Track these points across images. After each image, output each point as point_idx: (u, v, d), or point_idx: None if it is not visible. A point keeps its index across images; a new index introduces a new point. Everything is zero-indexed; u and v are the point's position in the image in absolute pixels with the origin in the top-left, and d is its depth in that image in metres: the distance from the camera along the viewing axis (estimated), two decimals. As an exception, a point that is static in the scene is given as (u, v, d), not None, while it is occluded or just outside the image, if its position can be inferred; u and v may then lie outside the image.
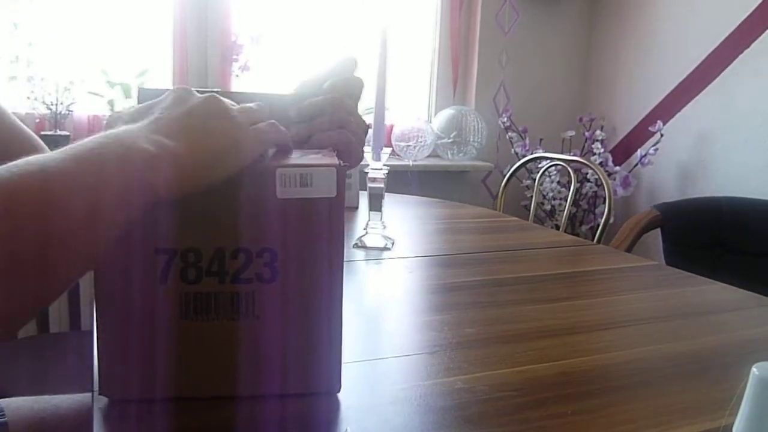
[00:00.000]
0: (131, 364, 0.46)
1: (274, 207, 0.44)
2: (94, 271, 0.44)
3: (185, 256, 0.44)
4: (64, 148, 0.37)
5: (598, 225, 1.62)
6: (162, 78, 2.09)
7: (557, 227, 2.25)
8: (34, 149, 0.69)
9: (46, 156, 0.36)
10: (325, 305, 0.46)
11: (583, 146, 2.53)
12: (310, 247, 0.45)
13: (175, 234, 0.44)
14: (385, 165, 0.99)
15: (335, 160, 0.45)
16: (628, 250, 1.80)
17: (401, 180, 2.28)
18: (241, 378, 0.46)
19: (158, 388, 0.47)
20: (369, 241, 1.00)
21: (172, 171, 0.40)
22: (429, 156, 2.37)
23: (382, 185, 1.00)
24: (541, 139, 2.53)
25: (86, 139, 0.38)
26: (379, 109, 0.94)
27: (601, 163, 2.39)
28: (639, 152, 2.34)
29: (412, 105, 2.53)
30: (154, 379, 0.46)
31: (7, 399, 0.72)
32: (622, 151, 2.51)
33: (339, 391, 0.48)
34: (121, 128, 0.41)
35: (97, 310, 0.45)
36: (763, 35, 2.01)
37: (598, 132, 2.45)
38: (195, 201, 0.43)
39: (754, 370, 0.36)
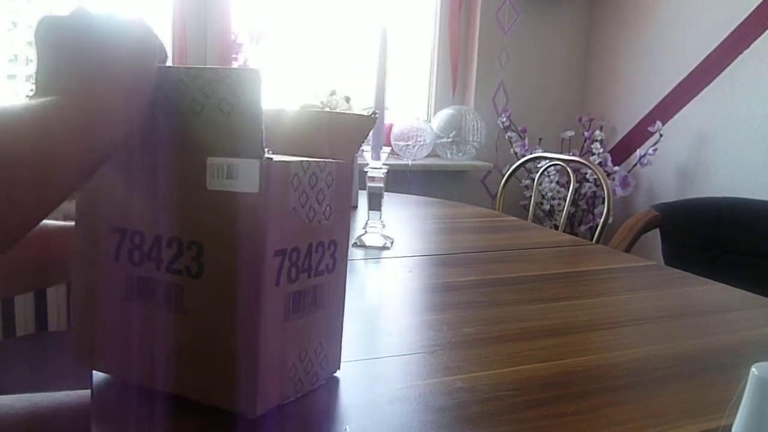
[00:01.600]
0: (91, 336, 0.47)
1: (203, 198, 0.42)
2: (71, 242, 0.47)
3: (132, 238, 0.45)
4: None
5: (597, 225, 1.62)
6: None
7: (556, 227, 2.25)
8: None
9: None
10: (249, 317, 0.41)
11: (582, 146, 2.53)
12: (235, 247, 0.41)
13: (125, 215, 0.45)
14: (384, 164, 1.00)
15: (270, 155, 0.41)
16: (627, 250, 1.80)
17: (400, 179, 2.28)
18: (166, 372, 0.45)
19: (108, 365, 0.48)
20: (368, 240, 1.00)
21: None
22: (428, 155, 2.37)
23: (381, 184, 1.00)
24: (540, 139, 2.53)
25: None
26: (379, 109, 0.94)
27: (600, 163, 2.39)
28: (638, 152, 2.34)
29: (411, 104, 2.53)
30: (106, 354, 0.47)
31: (6, 396, 0.72)
32: (621, 151, 2.51)
33: (256, 414, 0.42)
34: None
35: (70, 280, 0.47)
36: (763, 36, 2.01)
37: (597, 132, 2.45)
38: (142, 184, 0.44)
39: (753, 370, 0.36)
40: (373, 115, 0.51)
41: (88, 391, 0.49)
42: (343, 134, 0.50)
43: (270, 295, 0.42)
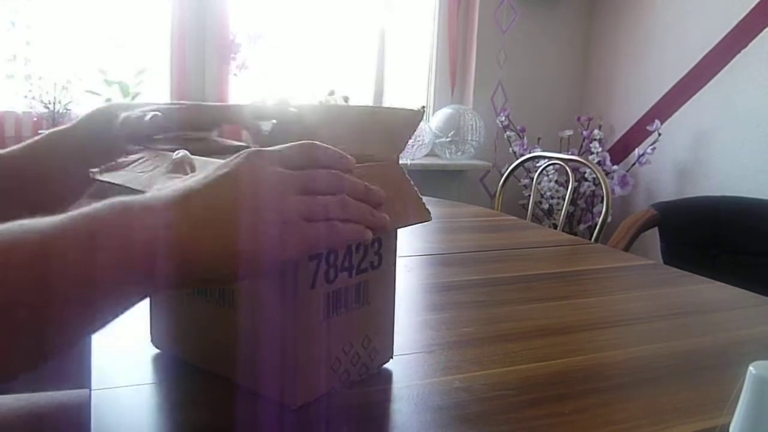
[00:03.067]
0: (165, 325, 0.53)
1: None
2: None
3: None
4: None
5: (596, 224, 1.62)
6: (160, 76, 2.09)
7: (555, 226, 2.26)
8: None
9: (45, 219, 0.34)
10: (287, 317, 0.44)
11: (581, 145, 2.53)
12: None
13: None
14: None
15: None
16: (626, 249, 1.80)
17: (399, 179, 2.27)
18: (224, 360, 0.49)
19: (179, 350, 0.53)
20: (367, 239, 1.00)
21: (174, 258, 0.36)
22: (427, 155, 2.37)
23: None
24: (539, 139, 2.54)
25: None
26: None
27: (598, 162, 2.39)
28: (637, 151, 2.34)
29: (409, 103, 2.53)
30: (179, 341, 0.53)
31: (5, 396, 0.72)
32: (620, 151, 2.51)
33: (297, 404, 0.45)
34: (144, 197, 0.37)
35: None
36: (761, 35, 2.01)
37: (596, 131, 2.45)
38: None
39: (751, 368, 0.36)
40: (421, 110, 0.52)
41: (87, 390, 0.49)
42: (387, 130, 0.53)
43: (305, 296, 0.44)
